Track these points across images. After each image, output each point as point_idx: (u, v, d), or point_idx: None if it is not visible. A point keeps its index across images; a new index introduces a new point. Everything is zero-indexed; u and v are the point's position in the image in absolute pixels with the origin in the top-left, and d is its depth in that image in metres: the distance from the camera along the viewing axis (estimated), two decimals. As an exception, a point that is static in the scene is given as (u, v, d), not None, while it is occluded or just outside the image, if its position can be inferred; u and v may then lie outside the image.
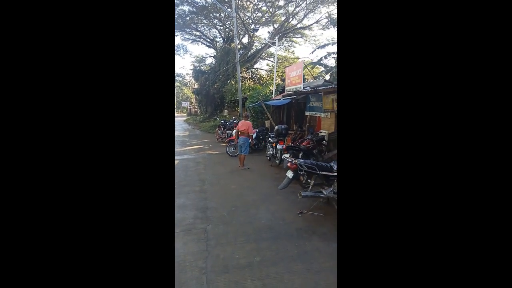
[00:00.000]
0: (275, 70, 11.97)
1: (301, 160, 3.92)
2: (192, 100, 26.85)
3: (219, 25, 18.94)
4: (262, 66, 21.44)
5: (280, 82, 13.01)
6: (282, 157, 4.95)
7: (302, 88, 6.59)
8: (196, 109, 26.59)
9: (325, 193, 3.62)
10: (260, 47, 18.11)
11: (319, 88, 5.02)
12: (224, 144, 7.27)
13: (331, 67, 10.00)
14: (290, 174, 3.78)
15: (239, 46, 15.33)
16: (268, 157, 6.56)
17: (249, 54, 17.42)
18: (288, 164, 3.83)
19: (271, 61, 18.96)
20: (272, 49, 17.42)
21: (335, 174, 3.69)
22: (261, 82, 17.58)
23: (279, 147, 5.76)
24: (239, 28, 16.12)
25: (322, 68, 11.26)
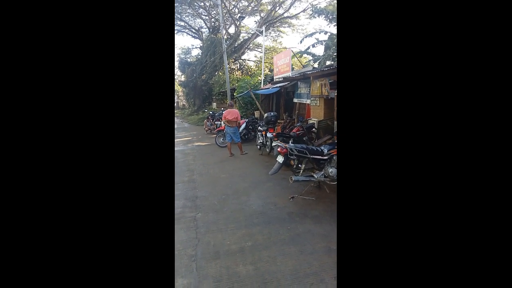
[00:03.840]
0: (263, 60, 11.78)
1: (291, 144, 3.86)
2: (179, 93, 26.18)
3: (204, 15, 18.36)
4: (250, 57, 21.18)
5: (269, 72, 12.84)
6: (273, 144, 4.87)
7: (290, 75, 6.49)
8: (184, 102, 25.97)
9: (316, 177, 3.58)
10: (247, 37, 17.76)
11: (307, 72, 4.94)
12: (213, 136, 7.13)
13: (319, 56, 9.92)
14: (280, 159, 3.71)
15: (225, 37, 14.95)
16: (258, 146, 6.48)
17: (236, 45, 17.04)
18: (278, 149, 3.76)
19: (259, 51, 18.70)
20: (259, 39, 17.14)
21: (326, 157, 3.65)
22: (249, 73, 17.31)
23: (269, 135, 5.67)
24: (225, 18, 15.69)
25: (310, 57, 11.17)
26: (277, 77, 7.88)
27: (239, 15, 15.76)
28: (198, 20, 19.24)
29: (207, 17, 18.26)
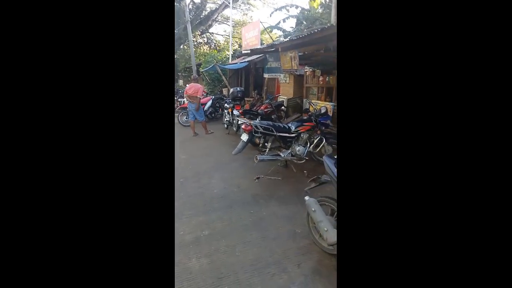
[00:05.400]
0: (230, 34, 10.94)
1: (256, 121, 3.54)
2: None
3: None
4: (219, 31, 19.77)
5: (238, 48, 12.08)
6: (239, 122, 4.50)
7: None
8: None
9: (283, 156, 3.35)
10: (214, 8, 16.34)
11: (276, 43, 4.55)
12: (176, 114, 6.49)
13: (289, 31, 9.47)
14: (244, 137, 3.39)
15: (190, 6, 13.54)
16: (225, 125, 6.07)
17: (202, 16, 15.61)
18: (243, 126, 3.42)
19: (228, 25, 17.47)
20: (228, 12, 15.89)
21: (293, 135, 3.42)
22: (217, 48, 16.23)
23: (235, 112, 5.25)
24: (189, -17, 14.08)
25: (281, 33, 10.65)
26: (245, 50, 7.32)
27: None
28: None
29: (168, -18, 16.20)
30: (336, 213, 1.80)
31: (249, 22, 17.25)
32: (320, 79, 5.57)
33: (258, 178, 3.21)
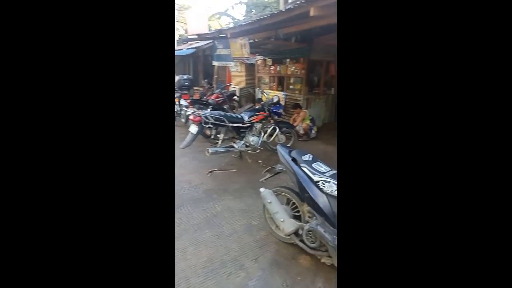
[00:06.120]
0: (175, 17, 10.04)
1: (206, 111, 3.30)
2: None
3: None
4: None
5: (184, 33, 11.23)
6: (187, 113, 4.16)
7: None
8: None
9: (237, 146, 3.22)
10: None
11: (224, 29, 4.29)
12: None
13: (238, 19, 9.22)
14: (193, 129, 3.12)
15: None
16: (172, 117, 5.58)
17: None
18: (191, 117, 3.14)
19: (176, 9, 16.08)
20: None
21: (247, 125, 3.31)
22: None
23: (182, 102, 4.85)
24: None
25: (230, 20, 10.31)
26: (191, 35, 6.79)
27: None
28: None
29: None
30: (292, 201, 1.77)
31: (194, 6, 16.21)
32: (272, 68, 5.57)
33: (211, 172, 3.02)
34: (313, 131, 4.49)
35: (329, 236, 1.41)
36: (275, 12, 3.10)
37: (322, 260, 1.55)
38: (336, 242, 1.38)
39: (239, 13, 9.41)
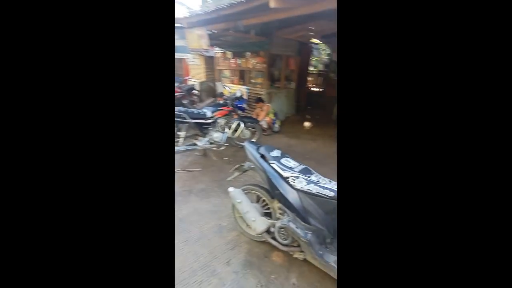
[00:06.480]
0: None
1: (165, 107, 3.04)
2: None
3: None
4: None
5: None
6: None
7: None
8: None
9: (201, 144, 3.06)
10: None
11: (180, 18, 3.98)
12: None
13: (195, 10, 8.72)
14: (151, 127, 2.85)
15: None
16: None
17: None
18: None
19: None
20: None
21: (210, 121, 3.16)
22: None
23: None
24: None
25: (185, 9, 9.69)
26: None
27: None
28: None
29: None
30: (262, 199, 1.73)
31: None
32: (232, 61, 5.42)
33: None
34: (276, 125, 4.54)
35: (301, 231, 1.41)
36: (234, 2, 2.96)
37: (295, 256, 1.56)
38: (308, 237, 1.39)
39: (195, 3, 8.90)
